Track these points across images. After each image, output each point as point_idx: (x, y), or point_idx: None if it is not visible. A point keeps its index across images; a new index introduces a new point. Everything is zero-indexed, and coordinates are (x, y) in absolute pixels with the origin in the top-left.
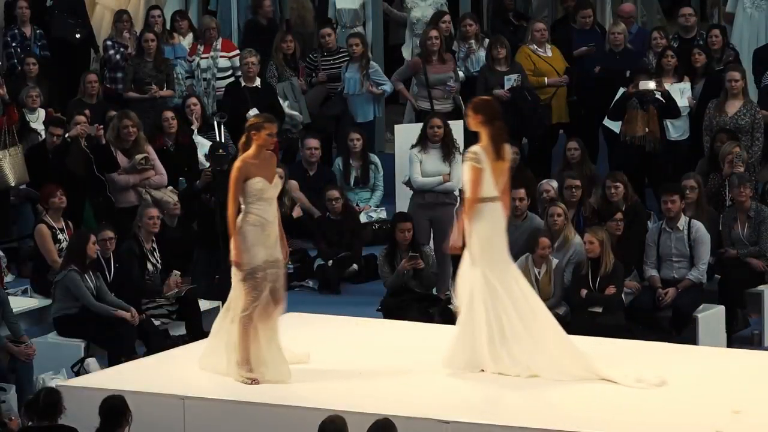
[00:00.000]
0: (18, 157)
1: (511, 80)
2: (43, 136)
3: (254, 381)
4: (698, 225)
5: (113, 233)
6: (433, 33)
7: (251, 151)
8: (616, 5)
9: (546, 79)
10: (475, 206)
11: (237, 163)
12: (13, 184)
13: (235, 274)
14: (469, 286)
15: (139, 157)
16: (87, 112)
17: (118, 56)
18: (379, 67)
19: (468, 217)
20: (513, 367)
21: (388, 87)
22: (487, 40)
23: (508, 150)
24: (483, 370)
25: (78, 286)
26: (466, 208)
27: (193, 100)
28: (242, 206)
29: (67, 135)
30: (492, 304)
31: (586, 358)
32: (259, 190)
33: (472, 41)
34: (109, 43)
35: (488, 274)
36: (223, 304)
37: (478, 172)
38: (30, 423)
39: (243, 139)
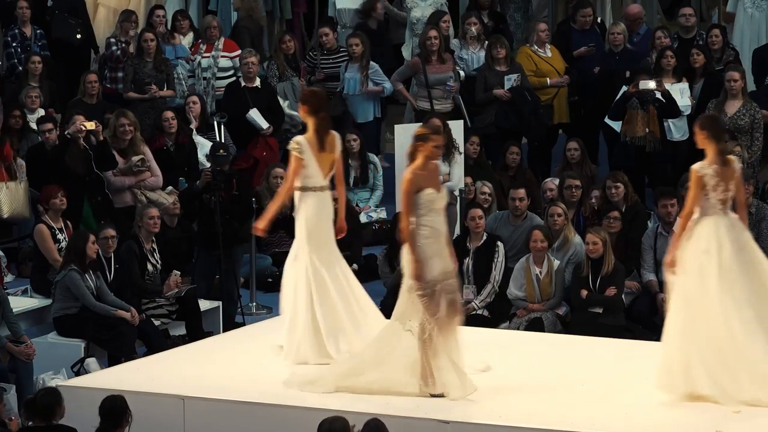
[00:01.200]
0: (18, 193)
1: (511, 80)
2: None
3: (440, 395)
4: None
5: (114, 232)
6: (433, 33)
7: (419, 162)
8: (616, 5)
9: (548, 79)
10: (290, 194)
11: (407, 175)
12: (5, 216)
13: (412, 289)
14: (294, 278)
15: (135, 158)
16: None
17: (119, 52)
18: (378, 68)
19: (277, 204)
20: (335, 357)
21: (387, 86)
22: (486, 42)
23: (334, 141)
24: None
25: (78, 286)
26: (282, 196)
27: (194, 98)
28: (413, 219)
29: (66, 132)
30: (318, 294)
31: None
32: (431, 201)
33: (475, 46)
34: (112, 40)
35: (315, 260)
36: (223, 304)
37: (297, 162)
38: (30, 423)
39: (409, 149)
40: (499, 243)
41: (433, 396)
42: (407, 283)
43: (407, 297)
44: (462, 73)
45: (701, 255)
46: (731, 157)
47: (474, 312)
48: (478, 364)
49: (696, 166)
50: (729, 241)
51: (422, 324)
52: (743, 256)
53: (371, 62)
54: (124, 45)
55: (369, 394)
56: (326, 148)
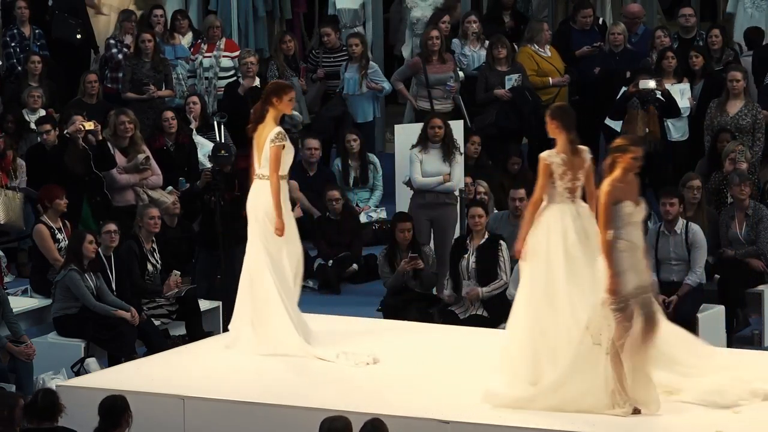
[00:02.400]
0: (15, 202)
1: (511, 80)
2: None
3: (635, 411)
4: (695, 228)
5: (116, 226)
6: (434, 33)
7: (617, 173)
8: (616, 5)
9: (550, 79)
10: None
11: (605, 187)
12: (2, 222)
13: (608, 302)
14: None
15: (141, 156)
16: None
17: (120, 55)
18: (378, 68)
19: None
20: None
21: (387, 85)
22: (487, 41)
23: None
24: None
25: (78, 286)
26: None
27: (194, 98)
28: (610, 232)
29: (65, 132)
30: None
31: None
32: (629, 214)
33: (476, 45)
34: (112, 41)
35: (269, 247)
36: (223, 304)
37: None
38: (29, 425)
39: (607, 160)
40: (501, 242)
41: (625, 412)
42: (602, 296)
43: (600, 310)
44: (461, 74)
45: (546, 242)
46: (582, 147)
47: (480, 298)
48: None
49: (544, 154)
50: (574, 229)
51: (613, 339)
52: (589, 245)
53: (371, 62)
54: (125, 50)
55: (575, 412)
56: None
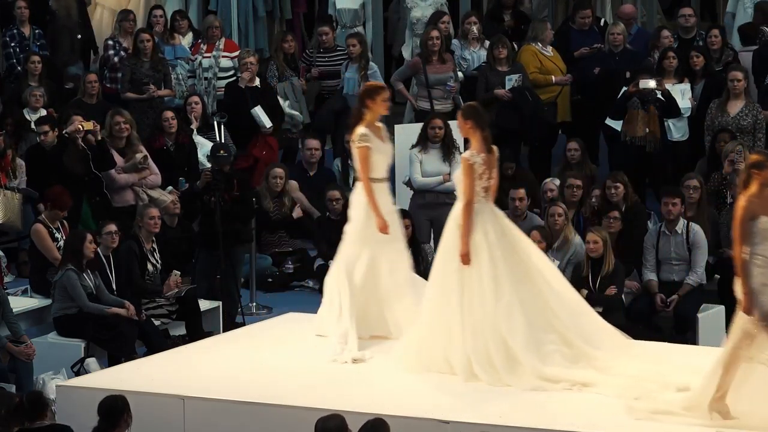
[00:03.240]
0: (14, 202)
1: (512, 80)
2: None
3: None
4: (696, 228)
5: (116, 227)
6: (434, 33)
7: (753, 189)
8: (616, 5)
9: (553, 77)
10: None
11: (742, 203)
12: (1, 221)
13: (745, 321)
14: None
15: (139, 156)
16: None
17: (116, 58)
18: (377, 69)
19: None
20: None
21: None
22: (487, 41)
23: None
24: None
25: (74, 286)
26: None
27: (195, 98)
28: (746, 248)
29: (64, 131)
30: None
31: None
32: (765, 230)
33: (476, 46)
34: (110, 42)
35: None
36: (223, 304)
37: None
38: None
39: (743, 176)
40: None
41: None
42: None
43: (744, 327)
44: (461, 74)
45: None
46: (494, 147)
47: None
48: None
49: (466, 155)
50: (493, 228)
51: (738, 345)
52: (506, 241)
53: (371, 63)
54: (122, 53)
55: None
56: None
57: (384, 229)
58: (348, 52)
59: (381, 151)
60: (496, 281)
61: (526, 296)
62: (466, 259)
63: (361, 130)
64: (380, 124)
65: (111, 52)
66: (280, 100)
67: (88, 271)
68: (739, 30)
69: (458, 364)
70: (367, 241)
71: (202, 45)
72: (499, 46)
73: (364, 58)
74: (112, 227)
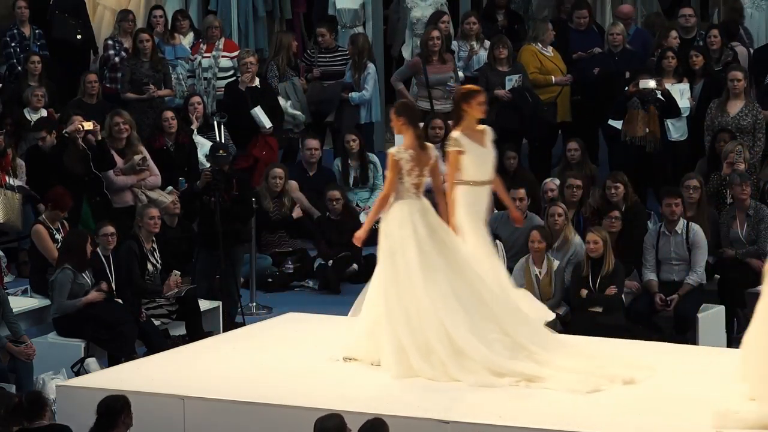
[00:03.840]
0: (14, 202)
1: (512, 81)
2: None
3: None
4: (696, 228)
5: (114, 229)
6: (435, 33)
7: None
8: (615, 6)
9: (553, 77)
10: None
11: None
12: (1, 221)
13: None
14: None
15: (137, 157)
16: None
17: (117, 58)
18: (373, 71)
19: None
20: None
21: (366, 94)
22: (486, 41)
23: None
24: None
25: (62, 285)
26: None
27: (197, 99)
28: None
29: (64, 131)
30: None
31: None
32: None
33: (474, 42)
34: (110, 42)
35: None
36: (223, 304)
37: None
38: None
39: None
40: (498, 242)
41: None
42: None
43: None
44: (461, 74)
45: (399, 238)
46: (429, 144)
47: None
48: None
49: (392, 150)
50: (422, 224)
51: None
52: (437, 237)
53: (369, 64)
54: (122, 53)
55: None
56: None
57: (456, 230)
58: (350, 52)
59: (479, 154)
60: (427, 274)
61: (461, 288)
62: (358, 241)
63: (454, 134)
64: (483, 127)
65: (111, 52)
66: (282, 100)
67: (86, 271)
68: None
69: (388, 358)
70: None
71: (201, 45)
72: (500, 46)
73: (362, 59)
74: (109, 229)
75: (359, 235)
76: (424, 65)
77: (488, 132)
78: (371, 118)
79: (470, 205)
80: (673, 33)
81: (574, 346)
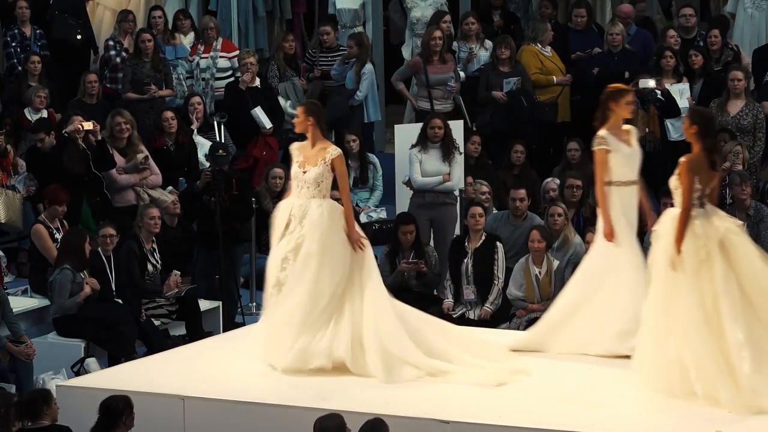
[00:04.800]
0: (15, 203)
1: (510, 83)
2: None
3: None
4: None
5: (114, 230)
6: (437, 33)
7: None
8: (615, 6)
9: (554, 78)
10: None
11: None
12: (3, 221)
13: None
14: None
15: (140, 156)
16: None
17: (117, 59)
18: (370, 72)
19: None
20: None
21: (360, 94)
22: (487, 41)
23: None
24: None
25: (61, 285)
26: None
27: (197, 99)
28: None
29: (64, 131)
30: None
31: None
32: None
33: (474, 45)
34: (110, 43)
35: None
36: (223, 304)
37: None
38: (25, 426)
39: None
40: (498, 243)
41: None
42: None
43: None
44: (462, 74)
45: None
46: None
47: (489, 314)
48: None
49: (295, 146)
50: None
51: None
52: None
53: (367, 65)
54: (123, 54)
55: None
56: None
57: (609, 236)
58: (349, 52)
59: (625, 154)
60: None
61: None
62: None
63: (601, 132)
64: (627, 127)
65: (112, 52)
66: (282, 100)
67: (85, 271)
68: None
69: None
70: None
71: (199, 46)
72: (502, 46)
73: (361, 60)
74: (109, 230)
75: None
76: (424, 65)
77: (633, 131)
78: (370, 118)
79: (618, 206)
80: (670, 32)
81: (479, 343)
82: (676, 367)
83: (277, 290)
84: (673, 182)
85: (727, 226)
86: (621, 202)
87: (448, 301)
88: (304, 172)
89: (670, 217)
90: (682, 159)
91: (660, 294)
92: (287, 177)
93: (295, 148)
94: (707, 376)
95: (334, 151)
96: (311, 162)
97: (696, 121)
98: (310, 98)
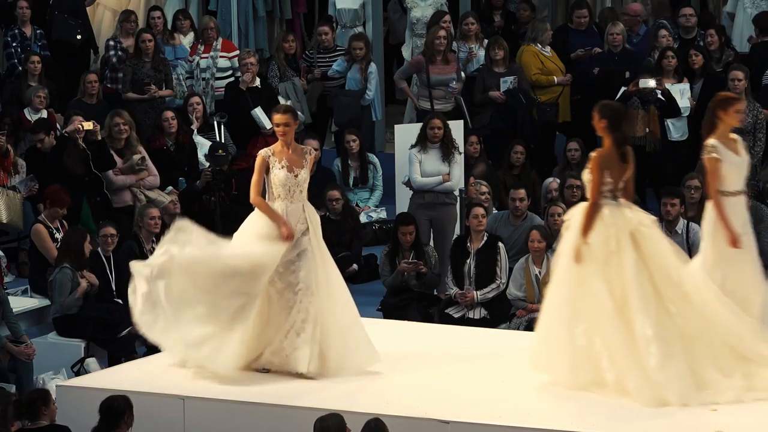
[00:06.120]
0: (15, 202)
1: (507, 82)
2: None
3: None
4: (696, 228)
5: (115, 230)
6: (441, 33)
7: None
8: (616, 6)
9: (555, 78)
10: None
11: None
12: (5, 221)
13: None
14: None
15: (137, 157)
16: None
17: (115, 59)
18: (375, 72)
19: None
20: None
21: (370, 94)
22: (486, 41)
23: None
24: None
25: (62, 284)
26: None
27: (197, 99)
28: None
29: (64, 131)
30: None
31: None
32: None
33: (474, 45)
34: (111, 43)
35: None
36: None
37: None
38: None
39: None
40: (500, 244)
41: None
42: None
43: None
44: (462, 74)
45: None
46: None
47: (474, 302)
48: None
49: (262, 152)
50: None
51: None
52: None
53: (371, 64)
54: (121, 53)
55: None
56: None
57: (734, 243)
58: (354, 54)
59: (734, 163)
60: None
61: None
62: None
63: (711, 141)
64: (735, 136)
65: (112, 52)
66: (282, 100)
67: (85, 270)
68: (755, 20)
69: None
70: (721, 259)
71: (199, 46)
72: (495, 47)
73: (366, 60)
74: (110, 230)
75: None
76: (426, 65)
77: (740, 140)
78: (377, 118)
79: (741, 216)
80: (662, 32)
81: None
82: (585, 355)
83: (292, 292)
84: (585, 176)
85: (639, 219)
86: (730, 211)
87: (457, 291)
88: (296, 176)
89: (580, 210)
90: (592, 153)
91: (564, 283)
92: None
93: (270, 154)
94: (620, 366)
95: (311, 149)
96: (297, 164)
97: (605, 115)
98: (310, 99)
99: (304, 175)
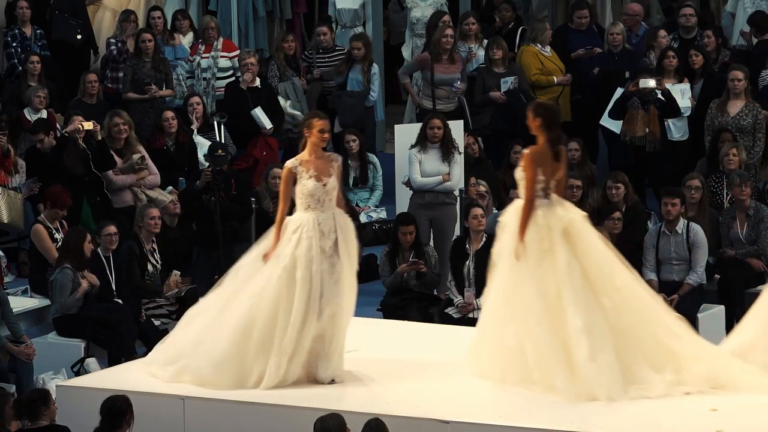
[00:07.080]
0: (16, 202)
1: (507, 83)
2: None
3: None
4: (696, 228)
5: (116, 229)
6: (449, 31)
7: None
8: (615, 5)
9: (555, 78)
10: None
11: None
12: (5, 221)
13: None
14: None
15: (136, 157)
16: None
17: (115, 51)
18: (377, 72)
19: None
20: None
21: (374, 95)
22: (486, 41)
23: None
24: None
25: (63, 285)
26: None
27: (196, 99)
28: None
29: (64, 131)
30: None
31: None
32: None
33: (474, 45)
34: (112, 40)
35: None
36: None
37: None
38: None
39: None
40: None
41: None
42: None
43: None
44: (466, 75)
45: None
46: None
47: (474, 310)
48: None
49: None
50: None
51: None
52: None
53: (373, 64)
54: (120, 45)
55: None
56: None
57: None
58: (353, 54)
59: None
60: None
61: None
62: (267, 258)
63: None
64: None
65: (113, 47)
66: (282, 100)
67: (85, 270)
68: (750, 20)
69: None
70: None
71: (200, 46)
72: (494, 47)
73: (368, 60)
74: (111, 229)
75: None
76: (432, 63)
77: None
78: (379, 118)
79: None
80: (661, 32)
81: None
82: (515, 355)
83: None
84: (518, 174)
85: (570, 216)
86: None
87: (460, 301)
88: (324, 185)
89: (514, 209)
90: (525, 151)
91: (503, 284)
92: None
93: (297, 164)
94: (545, 364)
95: (337, 157)
96: (325, 173)
97: (539, 114)
98: (310, 99)
99: (333, 183)
